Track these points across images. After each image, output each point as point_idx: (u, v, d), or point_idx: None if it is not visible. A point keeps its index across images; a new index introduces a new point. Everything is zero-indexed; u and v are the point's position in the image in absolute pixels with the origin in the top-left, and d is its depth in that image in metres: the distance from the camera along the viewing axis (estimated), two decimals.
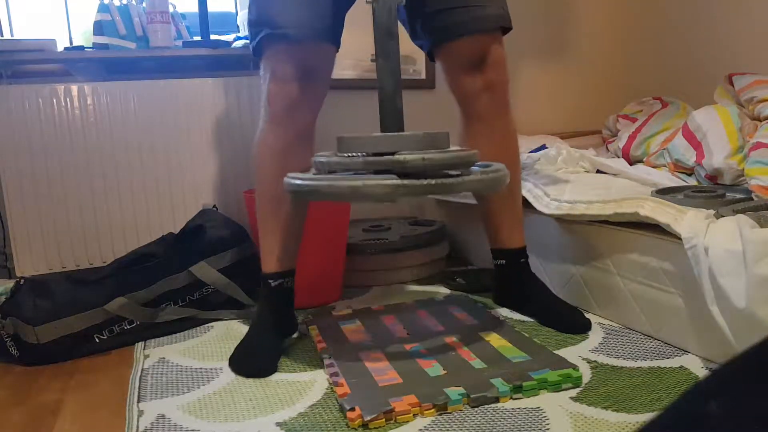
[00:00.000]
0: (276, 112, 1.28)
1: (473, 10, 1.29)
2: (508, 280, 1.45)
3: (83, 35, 1.88)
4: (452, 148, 1.16)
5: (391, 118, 1.12)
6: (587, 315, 1.39)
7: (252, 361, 1.23)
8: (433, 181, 1.00)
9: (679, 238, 1.13)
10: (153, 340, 1.43)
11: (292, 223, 1.34)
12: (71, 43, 1.93)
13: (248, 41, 1.50)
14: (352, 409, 0.99)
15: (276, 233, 1.33)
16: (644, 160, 1.78)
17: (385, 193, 1.00)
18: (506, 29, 1.34)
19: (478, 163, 1.17)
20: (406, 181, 0.99)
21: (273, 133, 1.30)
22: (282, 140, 1.30)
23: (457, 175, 1.04)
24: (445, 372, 1.12)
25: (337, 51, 1.35)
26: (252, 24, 1.30)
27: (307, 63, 1.26)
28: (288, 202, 1.32)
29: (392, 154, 1.03)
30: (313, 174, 1.10)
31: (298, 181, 1.06)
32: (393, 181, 0.99)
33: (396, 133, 1.08)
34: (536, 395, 1.05)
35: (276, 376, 1.19)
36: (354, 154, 1.08)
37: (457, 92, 1.39)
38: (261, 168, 1.32)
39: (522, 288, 1.43)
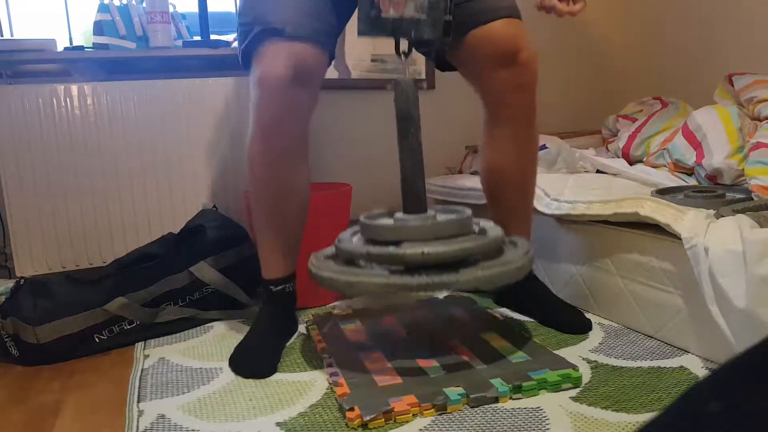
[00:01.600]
0: (264, 124, 1.21)
1: (497, 1, 1.27)
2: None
3: (83, 35, 1.88)
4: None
5: (411, 200, 1.16)
6: (587, 315, 1.39)
7: (252, 361, 1.22)
8: (423, 280, 1.03)
9: (679, 238, 1.13)
10: (153, 340, 1.43)
11: (291, 229, 1.32)
12: (71, 43, 1.93)
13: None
14: (352, 409, 0.99)
15: (274, 240, 1.31)
16: (644, 160, 1.78)
17: (376, 290, 1.06)
18: None
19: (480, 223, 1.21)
20: (396, 280, 1.03)
21: (262, 144, 1.23)
22: (272, 152, 1.24)
23: (455, 271, 1.05)
24: (445, 372, 1.12)
25: (330, 64, 1.29)
26: (244, 24, 1.23)
27: (303, 64, 1.18)
28: (285, 208, 1.29)
29: (398, 243, 1.07)
30: (335, 249, 1.19)
31: (311, 266, 1.15)
32: (383, 279, 1.04)
33: (403, 224, 1.12)
34: (536, 395, 1.05)
35: (276, 376, 1.19)
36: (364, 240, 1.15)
37: (484, 91, 1.33)
38: (254, 178, 1.28)
39: (522, 288, 1.42)
